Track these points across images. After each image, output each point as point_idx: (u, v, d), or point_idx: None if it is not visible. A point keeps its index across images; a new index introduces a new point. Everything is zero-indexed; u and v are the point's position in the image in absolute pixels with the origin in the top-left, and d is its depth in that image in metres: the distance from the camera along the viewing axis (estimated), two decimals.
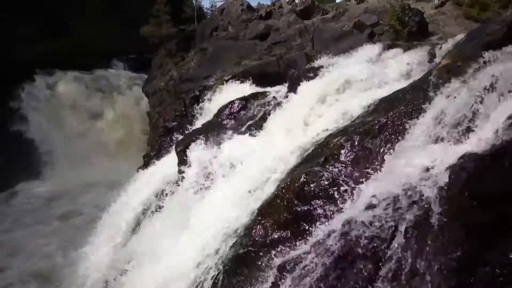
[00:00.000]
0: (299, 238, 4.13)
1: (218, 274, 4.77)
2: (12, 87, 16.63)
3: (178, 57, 14.22)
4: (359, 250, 2.87)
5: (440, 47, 6.62)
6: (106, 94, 18.99)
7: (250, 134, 6.89)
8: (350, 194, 3.95)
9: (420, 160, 3.40)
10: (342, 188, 4.12)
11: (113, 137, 18.19)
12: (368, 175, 3.97)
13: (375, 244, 2.86)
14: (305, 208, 4.28)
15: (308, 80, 7.18)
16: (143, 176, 9.97)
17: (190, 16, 17.78)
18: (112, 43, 21.36)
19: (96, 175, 15.24)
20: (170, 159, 8.71)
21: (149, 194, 8.57)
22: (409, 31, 9.09)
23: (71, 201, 13.96)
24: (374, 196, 3.27)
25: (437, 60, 6.14)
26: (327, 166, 4.41)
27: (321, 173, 4.37)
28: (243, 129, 7.41)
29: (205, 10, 23.74)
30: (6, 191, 15.03)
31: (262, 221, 4.54)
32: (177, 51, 14.76)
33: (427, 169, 3.28)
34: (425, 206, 2.86)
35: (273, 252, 4.25)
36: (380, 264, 2.77)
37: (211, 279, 4.80)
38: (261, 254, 4.36)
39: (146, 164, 11.17)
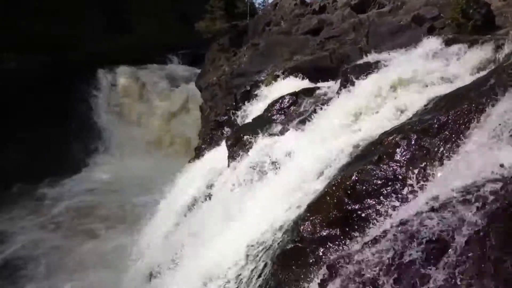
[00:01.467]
0: (349, 237, 4.06)
1: (264, 268, 4.82)
2: (80, 79, 17.93)
3: (231, 52, 14.43)
4: (415, 253, 2.75)
5: (509, 42, 6.13)
6: (161, 88, 19.78)
7: (300, 130, 6.84)
8: (405, 194, 3.81)
9: (484, 162, 3.19)
10: (396, 188, 3.98)
11: (166, 129, 18.96)
12: (425, 176, 3.79)
13: (432, 248, 2.73)
14: (356, 207, 4.19)
15: (362, 76, 6.98)
16: (194, 167, 10.29)
17: (242, 12, 17.95)
18: (168, 39, 22.25)
19: (150, 166, 16.04)
20: (220, 152, 8.90)
21: (199, 185, 8.84)
22: (473, 25, 8.50)
23: (127, 188, 14.80)
24: (432, 198, 3.12)
25: (505, 55, 5.71)
26: (381, 165, 4.27)
27: (374, 172, 4.25)
28: (293, 124, 7.37)
29: (257, 5, 23.91)
30: (73, 174, 16.32)
31: (311, 218, 4.50)
32: (230, 46, 14.99)
33: (492, 172, 3.07)
34: (489, 211, 2.69)
35: (321, 249, 4.21)
36: (436, 269, 2.65)
37: (258, 273, 4.85)
38: (308, 250, 4.33)
39: (197, 156, 11.53)
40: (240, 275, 4.94)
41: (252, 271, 4.85)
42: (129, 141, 18.10)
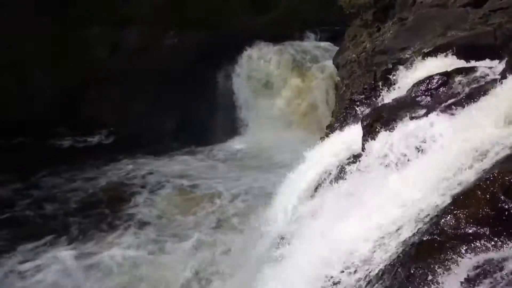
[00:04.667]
0: (502, 239, 3.55)
1: (395, 256, 4.59)
2: (226, 56, 19.62)
3: (374, 28, 13.62)
4: None
5: None
6: (298, 64, 20.11)
7: (451, 114, 6.12)
8: None
9: None
10: None
11: (299, 106, 19.37)
12: None
13: None
14: None
15: None
16: (325, 146, 10.26)
17: None
18: (307, 14, 22.30)
19: (282, 141, 16.73)
20: (354, 132, 8.63)
21: (328, 164, 8.79)
22: None
23: (259, 159, 15.85)
24: None
25: None
26: None
27: None
28: (441, 108, 6.62)
29: None
30: (214, 143, 18.35)
31: (455, 211, 4.07)
32: (373, 22, 14.16)
33: None
34: None
35: (464, 247, 3.78)
36: None
37: (387, 261, 4.65)
38: (448, 246, 3.94)
39: (328, 135, 11.45)
40: (367, 260, 4.81)
41: (380, 257, 4.67)
42: (265, 116, 19.16)
